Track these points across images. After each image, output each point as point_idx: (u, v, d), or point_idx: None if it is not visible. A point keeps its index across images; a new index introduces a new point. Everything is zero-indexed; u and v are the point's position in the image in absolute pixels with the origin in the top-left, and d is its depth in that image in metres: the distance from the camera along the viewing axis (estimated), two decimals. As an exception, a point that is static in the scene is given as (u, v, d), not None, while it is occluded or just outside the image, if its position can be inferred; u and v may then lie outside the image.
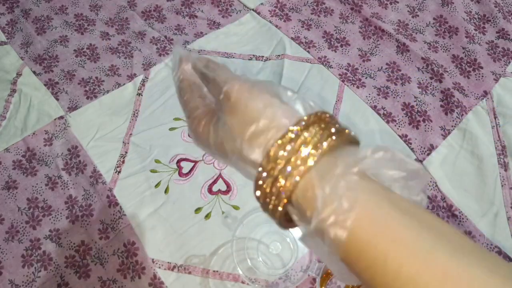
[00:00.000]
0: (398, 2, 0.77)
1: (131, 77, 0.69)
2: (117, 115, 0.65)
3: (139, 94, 0.67)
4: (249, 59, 0.71)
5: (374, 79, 0.69)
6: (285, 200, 0.20)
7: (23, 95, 0.66)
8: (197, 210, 0.57)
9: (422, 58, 0.70)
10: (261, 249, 0.54)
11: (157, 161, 0.61)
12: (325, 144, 0.20)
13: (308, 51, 0.72)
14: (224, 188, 0.59)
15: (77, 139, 0.62)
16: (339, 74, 0.69)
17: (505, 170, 0.60)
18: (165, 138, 0.63)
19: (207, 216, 0.57)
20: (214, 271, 0.54)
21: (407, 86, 0.68)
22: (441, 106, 0.66)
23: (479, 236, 0.56)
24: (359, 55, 0.72)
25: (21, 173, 0.60)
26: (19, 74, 0.68)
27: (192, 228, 0.56)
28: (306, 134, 0.21)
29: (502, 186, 0.59)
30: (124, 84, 0.68)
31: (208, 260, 0.54)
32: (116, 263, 0.54)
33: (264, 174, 0.21)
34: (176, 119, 0.64)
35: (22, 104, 0.65)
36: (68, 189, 0.59)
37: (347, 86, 0.68)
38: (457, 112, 0.65)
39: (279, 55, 0.71)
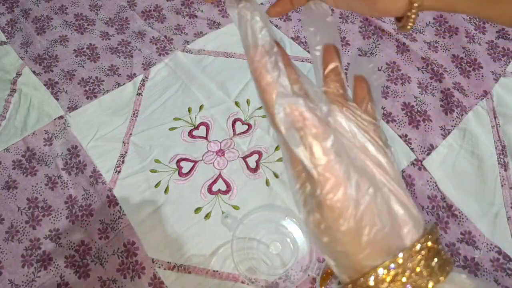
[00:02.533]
0: (398, 2, 0.77)
1: (131, 77, 0.69)
2: (117, 115, 0.65)
3: (139, 94, 0.67)
4: (249, 59, 0.71)
5: (374, 79, 0.69)
6: None
7: (23, 95, 0.66)
8: (197, 210, 0.57)
9: (422, 58, 0.70)
10: (261, 249, 0.54)
11: (157, 161, 0.61)
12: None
13: (308, 51, 0.72)
14: (224, 188, 0.59)
15: (77, 139, 0.62)
16: (339, 74, 0.69)
17: (505, 170, 0.60)
18: (165, 138, 0.63)
19: (207, 216, 0.57)
20: (214, 271, 0.54)
21: (407, 86, 0.68)
22: (441, 106, 0.66)
23: (479, 236, 0.56)
24: (359, 55, 0.72)
25: (21, 173, 0.60)
26: (19, 74, 0.68)
27: (192, 228, 0.56)
28: (411, 266, 0.20)
29: (502, 186, 0.59)
30: (124, 84, 0.68)
31: (208, 260, 0.54)
32: (116, 263, 0.54)
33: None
34: (176, 119, 0.64)
35: (22, 104, 0.65)
36: (68, 189, 0.59)
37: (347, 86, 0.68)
38: (457, 112, 0.65)
39: (279, 55, 0.71)
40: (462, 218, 0.57)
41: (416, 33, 0.74)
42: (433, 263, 0.21)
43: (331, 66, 0.27)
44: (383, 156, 0.23)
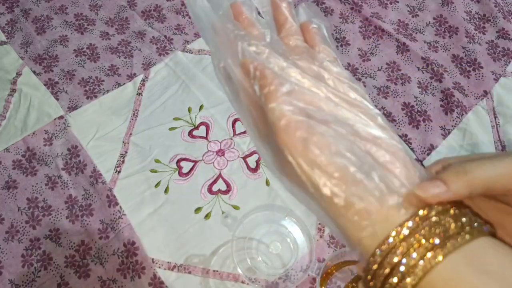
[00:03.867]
0: (398, 2, 0.77)
1: (131, 76, 0.69)
2: (117, 115, 0.65)
3: (139, 94, 0.67)
4: (249, 59, 0.71)
5: (374, 79, 0.69)
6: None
7: (23, 95, 0.66)
8: (197, 210, 0.57)
9: (422, 58, 0.70)
10: (261, 249, 0.54)
11: (157, 161, 0.61)
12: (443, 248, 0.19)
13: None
14: (224, 188, 0.59)
15: (77, 139, 0.62)
16: (339, 74, 0.69)
17: (505, 170, 0.60)
18: (165, 138, 0.63)
19: (207, 216, 0.57)
20: (214, 271, 0.54)
21: (407, 86, 0.68)
22: (441, 106, 0.66)
23: (479, 236, 0.56)
24: (359, 55, 0.72)
25: (21, 173, 0.60)
26: (19, 74, 0.68)
27: (192, 228, 0.56)
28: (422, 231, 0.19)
29: (502, 186, 0.59)
30: (124, 84, 0.68)
31: (208, 260, 0.54)
32: (116, 263, 0.54)
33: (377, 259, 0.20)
34: (176, 118, 0.64)
35: (22, 104, 0.65)
36: (68, 189, 0.59)
37: (347, 86, 0.68)
38: (457, 112, 0.65)
39: (279, 55, 0.71)
40: (462, 218, 0.57)
41: (416, 33, 0.74)
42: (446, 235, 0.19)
43: (281, 21, 0.27)
44: (353, 91, 0.24)
